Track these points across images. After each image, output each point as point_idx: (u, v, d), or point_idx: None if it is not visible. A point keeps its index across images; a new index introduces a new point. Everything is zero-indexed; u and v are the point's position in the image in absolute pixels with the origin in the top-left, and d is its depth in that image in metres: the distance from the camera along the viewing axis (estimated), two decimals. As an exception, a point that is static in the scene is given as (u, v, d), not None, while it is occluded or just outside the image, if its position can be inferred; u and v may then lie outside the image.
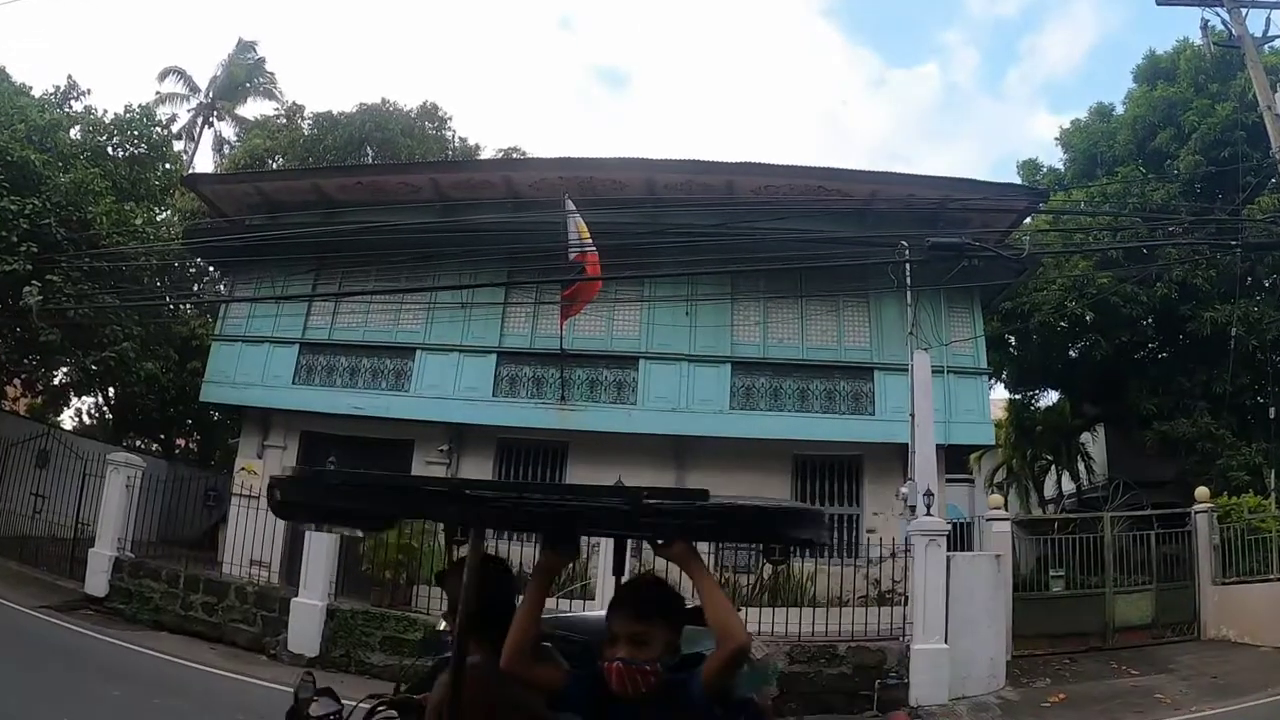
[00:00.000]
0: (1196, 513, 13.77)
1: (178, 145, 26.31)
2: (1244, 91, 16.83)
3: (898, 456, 13.69)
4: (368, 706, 3.50)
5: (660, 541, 2.53)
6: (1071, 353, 20.76)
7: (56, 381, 20.38)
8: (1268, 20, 13.50)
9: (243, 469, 15.43)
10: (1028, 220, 17.23)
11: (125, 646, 11.06)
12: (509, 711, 2.64)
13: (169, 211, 22.07)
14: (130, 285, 16.97)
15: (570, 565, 12.54)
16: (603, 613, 2.96)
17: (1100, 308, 18.22)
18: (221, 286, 20.54)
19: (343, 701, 3.51)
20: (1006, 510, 15.05)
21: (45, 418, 21.57)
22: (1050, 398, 24.19)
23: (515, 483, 2.93)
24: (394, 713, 3.46)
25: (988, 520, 13.73)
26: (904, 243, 13.01)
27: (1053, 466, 23.62)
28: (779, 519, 2.71)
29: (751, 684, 3.80)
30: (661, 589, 2.64)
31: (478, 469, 15.11)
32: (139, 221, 17.38)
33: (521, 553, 13.73)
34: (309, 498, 2.81)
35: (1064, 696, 10.62)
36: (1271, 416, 16.33)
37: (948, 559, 11.07)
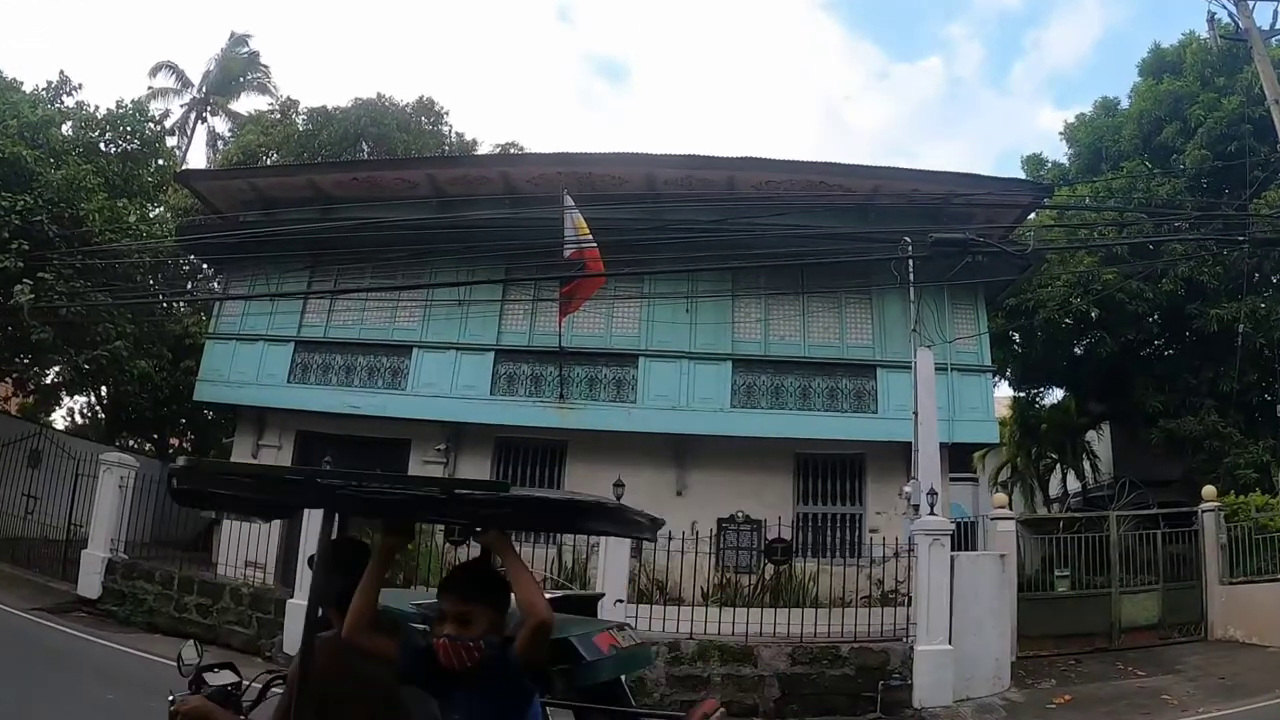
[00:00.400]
0: (1203, 511, 13.77)
1: (171, 141, 26.25)
2: (1251, 85, 16.83)
3: (901, 455, 13.66)
4: (260, 685, 3.86)
5: (478, 529, 2.97)
6: (1076, 350, 20.76)
7: (48, 381, 20.37)
8: (1275, 13, 13.58)
9: (238, 469, 15.38)
10: (1032, 216, 17.24)
11: (119, 649, 11.05)
12: (355, 681, 2.88)
13: (162, 208, 22.01)
14: (123, 283, 16.93)
15: (580, 566, 12.60)
16: None
17: (1105, 304, 18.20)
18: (215, 284, 20.51)
19: (242, 676, 3.84)
20: (1011, 509, 15.04)
21: (37, 417, 21.56)
22: (1055, 395, 24.23)
23: (358, 472, 3.54)
24: None
25: (992, 519, 13.72)
26: (907, 239, 12.98)
27: (1058, 465, 23.62)
28: (571, 510, 3.19)
29: (623, 667, 4.25)
30: (485, 574, 2.90)
31: (475, 468, 15.10)
32: (132, 218, 17.30)
33: (520, 552, 13.73)
34: (199, 485, 3.17)
35: (1070, 698, 10.61)
36: (1279, 414, 16.33)
37: (952, 559, 11.05)
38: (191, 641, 4.00)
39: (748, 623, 11.20)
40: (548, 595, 3.84)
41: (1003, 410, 22.12)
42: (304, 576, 11.80)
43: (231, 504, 3.61)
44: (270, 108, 29.02)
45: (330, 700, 2.84)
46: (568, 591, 5.41)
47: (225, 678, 3.79)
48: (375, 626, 2.87)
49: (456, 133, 27.59)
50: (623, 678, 4.51)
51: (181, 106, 32.53)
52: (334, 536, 3.02)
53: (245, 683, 3.83)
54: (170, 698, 3.48)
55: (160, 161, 20.35)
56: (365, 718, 2.92)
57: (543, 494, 3.10)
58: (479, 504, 2.80)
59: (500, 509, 2.83)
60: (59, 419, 25.24)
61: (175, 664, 3.77)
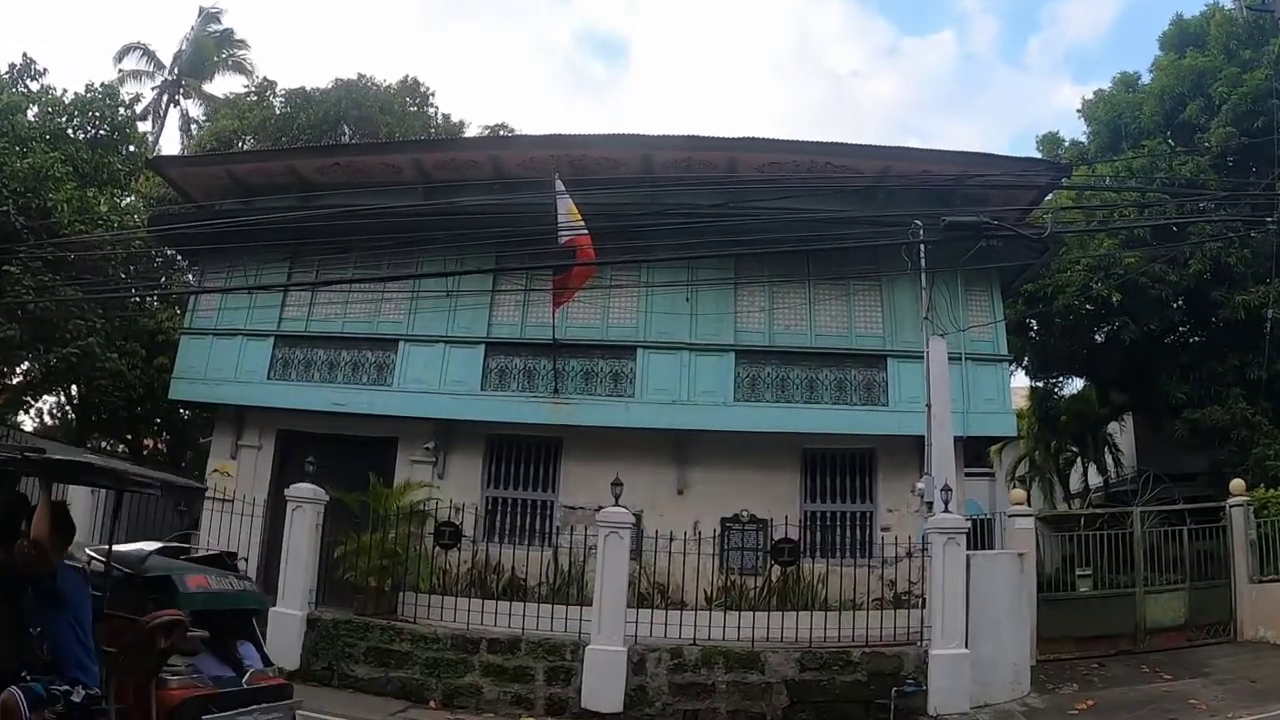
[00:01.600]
0: (1232, 506, 13.76)
1: (142, 126, 26.11)
2: (1278, 58, 16.74)
3: (913, 449, 13.65)
4: None
5: (42, 479, 5.47)
6: (1097, 337, 20.70)
7: (16, 380, 20.30)
8: (1305, -19, 13.43)
9: (216, 471, 15.38)
10: (1049, 197, 17.17)
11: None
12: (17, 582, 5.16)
13: (134, 197, 21.94)
14: (94, 276, 16.88)
15: (577, 569, 12.57)
16: (137, 548, 6.96)
17: (1127, 289, 18.14)
18: (191, 276, 20.44)
19: None
20: (1029, 505, 15.02)
21: (4, 419, 21.48)
22: (1075, 385, 24.17)
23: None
24: None
25: (1010, 516, 13.72)
26: (918, 222, 12.92)
27: (1078, 458, 23.61)
28: (79, 469, 5.92)
29: (213, 602, 6.49)
30: (61, 513, 5.33)
31: (467, 467, 15.08)
32: (102, 208, 17.23)
33: (514, 555, 13.71)
34: None
35: (1092, 703, 10.61)
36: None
37: (967, 558, 11.03)
38: None
39: (754, 627, 11.18)
40: (201, 554, 7.70)
41: (1020, 401, 22.08)
42: (287, 579, 11.85)
43: None
44: (246, 89, 28.95)
45: None
46: (221, 552, 8.54)
47: None
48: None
49: (443, 115, 27.55)
50: (254, 620, 7.24)
51: (153, 89, 32.40)
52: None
53: None
54: None
55: (131, 148, 20.26)
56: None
57: (62, 456, 5.50)
58: (34, 463, 5.03)
59: (45, 467, 5.29)
60: (27, 421, 25.19)
61: None
